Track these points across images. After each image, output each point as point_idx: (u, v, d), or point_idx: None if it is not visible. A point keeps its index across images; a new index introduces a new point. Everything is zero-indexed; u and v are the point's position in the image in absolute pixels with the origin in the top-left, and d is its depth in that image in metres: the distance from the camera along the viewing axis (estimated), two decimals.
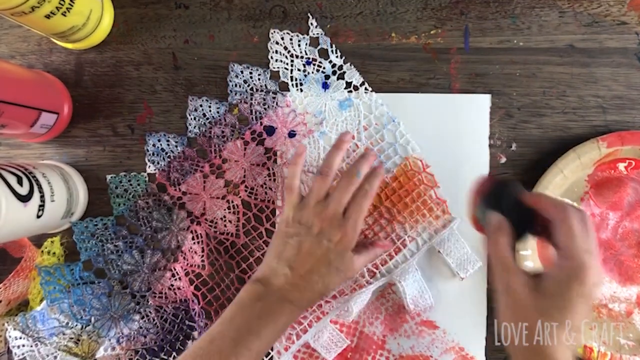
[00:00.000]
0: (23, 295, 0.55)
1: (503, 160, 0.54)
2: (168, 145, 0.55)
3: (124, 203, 0.55)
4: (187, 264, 0.55)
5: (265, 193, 0.55)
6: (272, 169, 0.55)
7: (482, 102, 0.54)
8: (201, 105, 0.55)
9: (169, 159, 0.55)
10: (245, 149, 0.55)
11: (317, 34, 0.54)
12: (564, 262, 0.38)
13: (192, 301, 0.54)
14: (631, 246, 0.53)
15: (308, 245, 0.47)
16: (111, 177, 0.55)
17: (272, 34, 0.54)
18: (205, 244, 0.54)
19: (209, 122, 0.55)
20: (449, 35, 0.54)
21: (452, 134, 0.54)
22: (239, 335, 0.43)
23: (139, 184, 0.55)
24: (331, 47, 0.54)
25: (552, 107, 0.54)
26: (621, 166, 0.52)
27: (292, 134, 0.55)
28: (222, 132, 0.55)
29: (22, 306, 0.56)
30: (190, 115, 0.55)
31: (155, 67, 0.55)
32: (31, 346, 0.53)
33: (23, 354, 0.53)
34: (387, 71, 0.55)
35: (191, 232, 0.55)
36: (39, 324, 0.53)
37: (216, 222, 0.55)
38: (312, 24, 0.54)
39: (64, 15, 0.47)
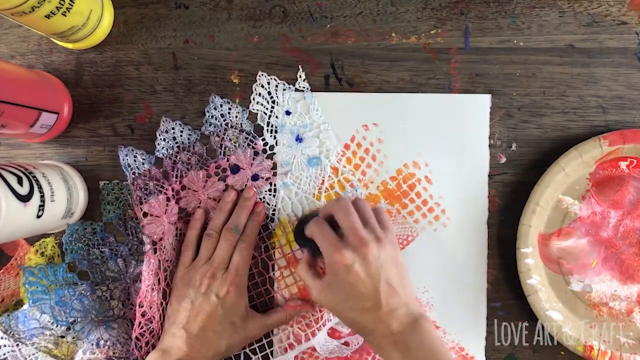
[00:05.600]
0: (17, 294, 0.55)
1: (503, 160, 0.54)
2: (135, 161, 0.54)
3: (114, 211, 0.55)
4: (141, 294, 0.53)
5: None
6: None
7: (482, 102, 0.54)
8: (173, 129, 0.54)
9: (133, 176, 0.54)
10: (206, 181, 0.54)
11: (303, 87, 0.54)
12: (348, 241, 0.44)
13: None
14: (632, 244, 0.53)
15: (197, 303, 0.48)
16: (104, 183, 0.55)
17: (259, 76, 0.54)
18: (155, 273, 0.53)
19: (177, 147, 0.55)
20: (449, 35, 0.54)
21: (452, 134, 0.54)
22: None
23: (129, 194, 0.55)
24: (314, 103, 0.54)
25: (552, 107, 0.54)
26: (623, 164, 0.52)
27: (255, 177, 0.54)
28: (188, 159, 0.54)
29: (19, 305, 0.56)
30: (160, 136, 0.54)
31: (155, 67, 0.55)
32: (12, 347, 0.52)
33: (4, 354, 0.52)
34: (387, 71, 0.55)
35: (146, 259, 0.53)
36: (20, 324, 0.53)
37: (167, 249, 0.53)
38: (300, 76, 0.54)
39: (64, 15, 0.47)
